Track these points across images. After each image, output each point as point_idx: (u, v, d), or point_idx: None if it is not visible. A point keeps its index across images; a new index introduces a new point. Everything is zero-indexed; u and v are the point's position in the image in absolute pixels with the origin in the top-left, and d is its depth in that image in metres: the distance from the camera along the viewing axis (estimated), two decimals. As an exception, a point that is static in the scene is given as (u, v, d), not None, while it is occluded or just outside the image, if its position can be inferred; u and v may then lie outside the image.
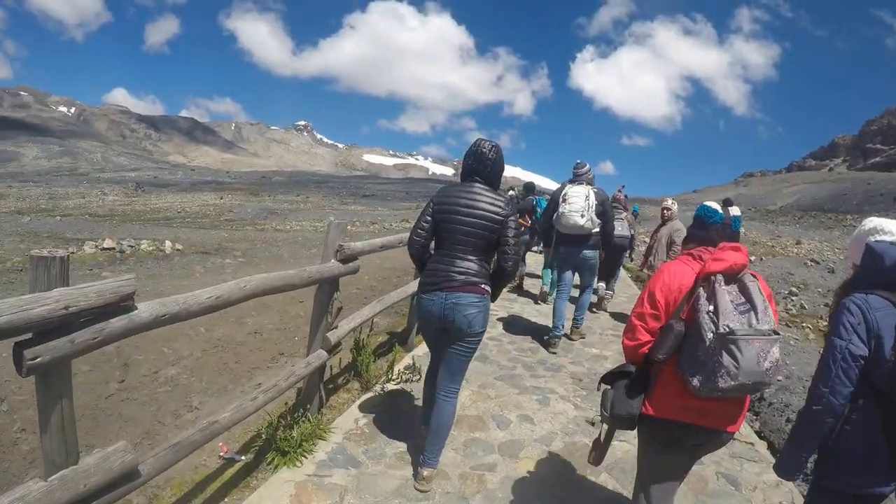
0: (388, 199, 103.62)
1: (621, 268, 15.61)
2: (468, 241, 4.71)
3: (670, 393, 3.37)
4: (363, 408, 6.44)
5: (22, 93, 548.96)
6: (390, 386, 7.10)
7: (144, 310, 3.04)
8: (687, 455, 3.63)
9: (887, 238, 3.22)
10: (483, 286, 4.74)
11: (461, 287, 4.70)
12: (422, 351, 8.41)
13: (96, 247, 18.48)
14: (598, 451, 4.03)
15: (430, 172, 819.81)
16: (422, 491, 4.81)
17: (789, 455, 3.21)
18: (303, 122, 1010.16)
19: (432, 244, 4.97)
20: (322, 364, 5.77)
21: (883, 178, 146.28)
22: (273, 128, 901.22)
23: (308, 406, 5.88)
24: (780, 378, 7.87)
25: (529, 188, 16.86)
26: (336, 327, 5.99)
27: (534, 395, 7.19)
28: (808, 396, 3.09)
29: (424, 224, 4.82)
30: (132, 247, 18.75)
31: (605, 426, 3.88)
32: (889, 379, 2.86)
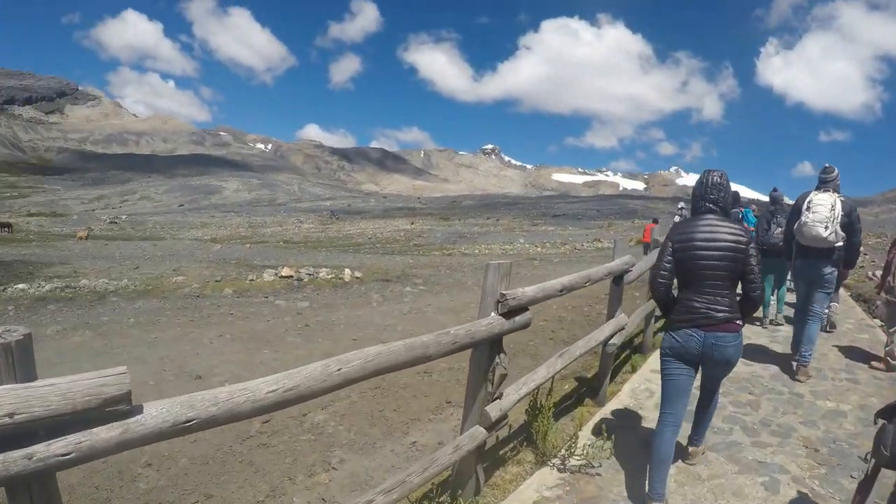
0: (579, 219, 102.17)
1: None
2: (717, 275, 4.41)
3: None
4: (537, 489, 4.85)
5: (222, 133, 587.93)
6: (574, 461, 5.22)
7: (154, 414, 2.02)
8: None
9: None
10: (738, 322, 4.45)
11: (721, 325, 4.43)
12: (616, 405, 6.80)
13: (276, 274, 18.39)
14: (862, 495, 3.34)
15: (620, 188, 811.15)
16: None
17: None
18: (490, 146, 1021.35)
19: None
20: (478, 445, 4.34)
21: None
22: (461, 153, 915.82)
23: (460, 491, 4.51)
24: None
25: (734, 199, 14.90)
26: (500, 397, 4.53)
27: (758, 476, 5.12)
28: None
29: (666, 264, 4.56)
30: (310, 275, 18.53)
31: (871, 465, 3.29)
32: None
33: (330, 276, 18.56)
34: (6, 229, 59.04)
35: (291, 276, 18.15)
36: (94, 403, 1.84)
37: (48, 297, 15.68)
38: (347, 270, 19.45)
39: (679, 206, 21.76)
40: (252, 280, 18.17)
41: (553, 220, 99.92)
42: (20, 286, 16.93)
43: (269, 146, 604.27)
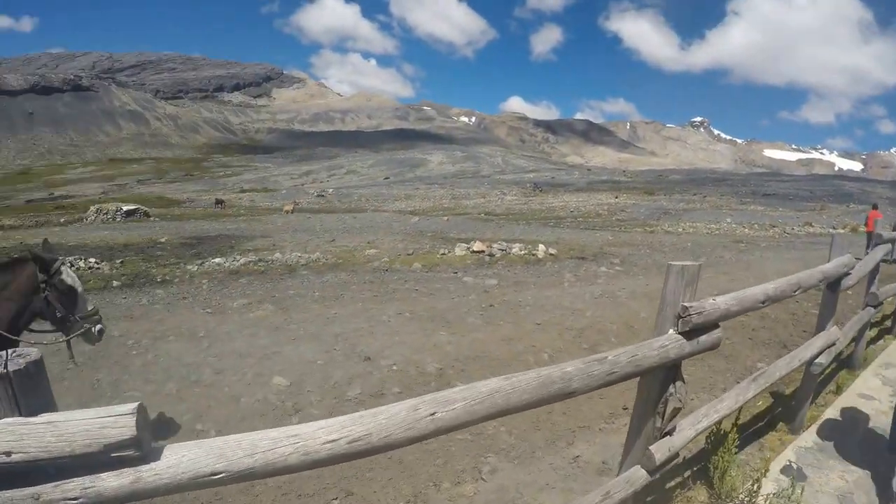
0: (790, 199, 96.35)
1: None
2: None
3: None
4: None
5: (425, 107, 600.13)
6: (757, 508, 4.17)
7: (171, 464, 1.67)
8: None
9: None
10: None
11: None
12: (814, 437, 5.44)
13: (468, 249, 18.10)
14: None
15: (836, 168, 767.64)
16: None
17: None
18: (698, 119, 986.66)
19: None
20: (635, 492, 3.38)
21: None
22: (668, 126, 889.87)
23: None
24: None
25: None
26: (671, 432, 3.53)
27: None
28: None
29: None
30: (503, 250, 18.15)
31: None
32: None
33: (523, 252, 18.17)
34: (220, 205, 64.79)
35: (483, 251, 17.90)
36: (94, 448, 1.52)
37: (241, 270, 16.30)
38: (542, 246, 18.96)
39: None
40: (444, 254, 18.17)
41: (763, 199, 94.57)
42: (217, 260, 17.75)
43: (473, 119, 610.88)
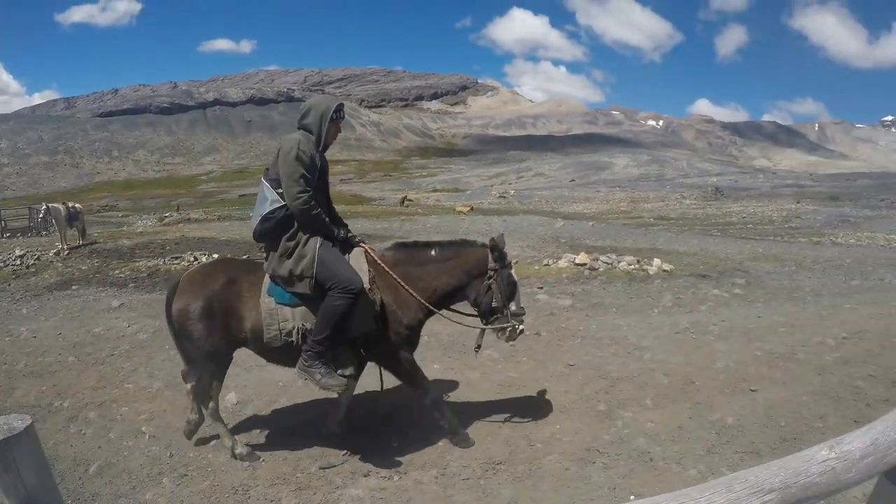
0: None
1: None
2: None
3: None
4: None
5: (614, 112, 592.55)
6: None
7: None
8: None
9: None
10: None
11: None
12: None
13: (572, 261, 15.38)
14: None
15: None
16: None
17: None
18: (890, 118, 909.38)
19: None
20: None
21: None
22: (858, 126, 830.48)
23: None
24: None
25: None
26: None
27: None
28: None
29: None
30: (608, 264, 15.33)
31: None
32: None
33: (631, 268, 15.17)
34: (404, 203, 66.86)
35: (585, 264, 15.17)
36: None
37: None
38: (657, 261, 15.78)
39: None
40: (546, 265, 15.63)
41: None
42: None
43: (660, 123, 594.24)
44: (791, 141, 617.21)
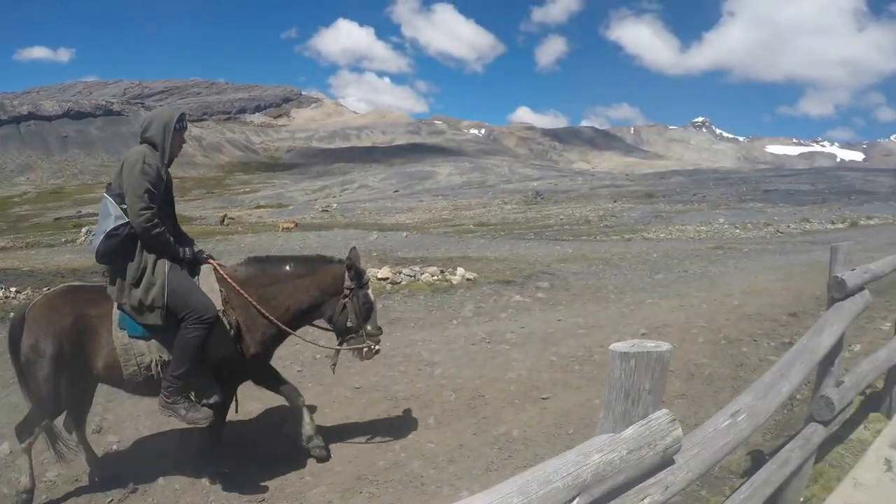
0: (790, 194, 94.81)
1: None
2: None
3: None
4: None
5: (437, 122, 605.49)
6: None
7: None
8: None
9: None
10: None
11: None
12: None
13: (374, 276, 15.01)
14: None
15: (837, 160, 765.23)
16: None
17: None
18: (700, 119, 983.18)
19: None
20: None
21: None
22: (671, 127, 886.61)
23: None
24: None
25: None
26: None
27: None
28: None
29: None
30: (411, 276, 15.04)
31: None
32: None
33: (434, 279, 14.89)
34: (224, 222, 65.49)
35: (387, 279, 14.76)
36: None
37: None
38: (460, 270, 15.60)
39: None
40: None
41: (762, 196, 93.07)
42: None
43: (483, 131, 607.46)
44: (609, 144, 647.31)
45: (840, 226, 42.44)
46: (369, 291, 5.58)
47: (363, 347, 5.48)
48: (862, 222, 44.59)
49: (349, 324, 5.44)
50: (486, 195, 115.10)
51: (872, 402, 6.22)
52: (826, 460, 4.95)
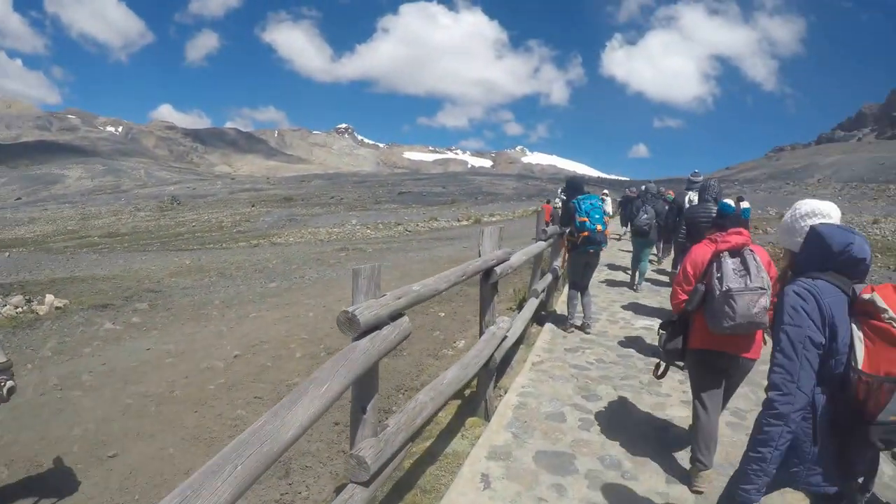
0: (423, 196, 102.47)
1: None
2: None
3: (700, 332, 4.80)
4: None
5: (70, 116, 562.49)
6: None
7: None
8: (720, 375, 4.95)
9: (826, 221, 3.04)
10: None
11: None
12: None
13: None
14: (661, 372, 5.43)
15: (468, 166, 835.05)
16: None
17: (752, 473, 2.76)
18: (343, 125, 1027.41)
19: None
20: None
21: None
22: (315, 132, 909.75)
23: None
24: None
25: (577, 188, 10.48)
26: None
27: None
28: (769, 399, 2.74)
29: None
30: (-6, 309, 12.86)
31: (663, 357, 5.30)
32: (842, 372, 2.67)
33: (17, 312, 12.70)
34: None
35: (-45, 315, 12.36)
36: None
37: None
38: (49, 297, 13.62)
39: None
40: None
41: (398, 198, 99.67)
42: None
43: (120, 129, 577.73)
44: (252, 147, 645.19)
45: (465, 223, 45.49)
46: None
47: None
48: (485, 219, 48.36)
49: None
50: (120, 201, 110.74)
51: (469, 406, 6.16)
52: (418, 486, 4.68)
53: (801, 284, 2.79)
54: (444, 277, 4.52)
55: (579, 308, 10.04)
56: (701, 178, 11.13)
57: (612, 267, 16.95)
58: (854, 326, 2.66)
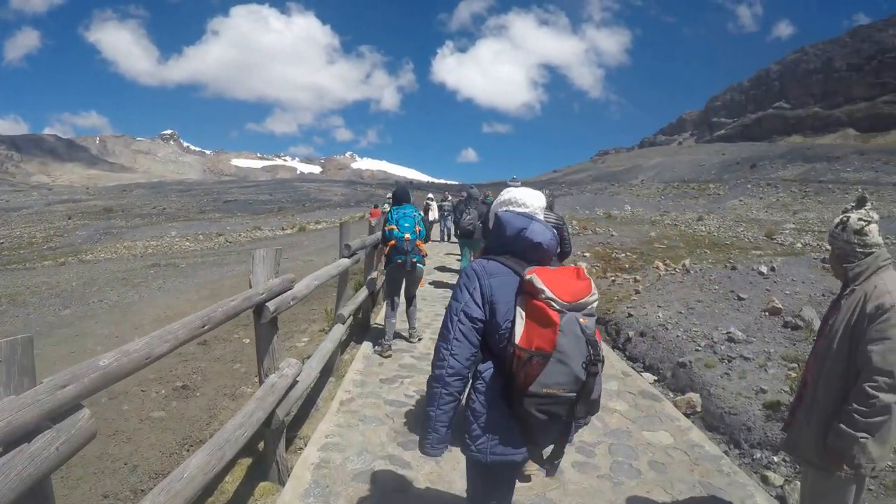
0: (250, 204, 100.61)
1: None
2: None
3: None
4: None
5: None
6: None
7: None
8: None
9: (520, 209, 3.23)
10: None
11: None
12: None
13: None
14: None
15: (297, 172, 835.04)
16: None
17: (428, 426, 3.05)
18: (168, 131, 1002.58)
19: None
20: None
21: (734, 147, 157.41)
22: (139, 139, 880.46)
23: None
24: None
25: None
26: None
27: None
28: (434, 361, 3.01)
29: None
30: None
31: None
32: (503, 345, 2.87)
33: None
34: None
35: None
36: None
37: None
38: None
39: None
40: None
41: (223, 206, 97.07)
42: None
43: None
44: (72, 155, 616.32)
45: (290, 231, 44.64)
46: None
47: None
48: (311, 227, 47.58)
49: None
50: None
51: (261, 467, 5.08)
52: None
53: (473, 265, 3.02)
54: (165, 334, 3.11)
55: (401, 323, 9.84)
56: (519, 183, 10.47)
57: (441, 269, 17.44)
58: (519, 305, 2.83)
